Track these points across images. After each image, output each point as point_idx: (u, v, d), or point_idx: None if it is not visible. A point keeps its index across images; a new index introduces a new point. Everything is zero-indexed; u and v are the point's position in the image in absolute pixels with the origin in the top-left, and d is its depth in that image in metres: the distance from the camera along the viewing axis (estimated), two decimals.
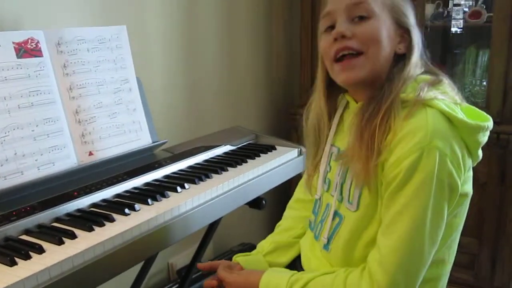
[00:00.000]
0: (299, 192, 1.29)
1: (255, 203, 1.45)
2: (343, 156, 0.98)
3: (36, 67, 1.21)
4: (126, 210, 1.07)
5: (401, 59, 0.96)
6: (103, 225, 1.01)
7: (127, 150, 1.38)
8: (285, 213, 1.29)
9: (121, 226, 1.01)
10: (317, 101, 1.08)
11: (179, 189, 1.21)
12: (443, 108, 0.89)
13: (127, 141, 1.39)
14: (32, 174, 1.16)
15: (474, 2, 2.15)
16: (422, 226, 0.86)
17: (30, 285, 0.83)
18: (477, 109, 0.96)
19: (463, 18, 2.11)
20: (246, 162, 1.44)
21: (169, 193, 1.18)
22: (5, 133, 1.13)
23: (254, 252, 1.20)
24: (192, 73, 2.03)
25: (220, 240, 2.22)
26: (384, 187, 0.90)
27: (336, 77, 0.98)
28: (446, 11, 2.19)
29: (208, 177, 1.30)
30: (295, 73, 2.56)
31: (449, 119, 0.89)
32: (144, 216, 1.06)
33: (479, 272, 2.11)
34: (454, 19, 2.12)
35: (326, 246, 1.03)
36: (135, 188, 1.23)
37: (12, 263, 0.87)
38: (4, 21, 1.35)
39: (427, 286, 0.97)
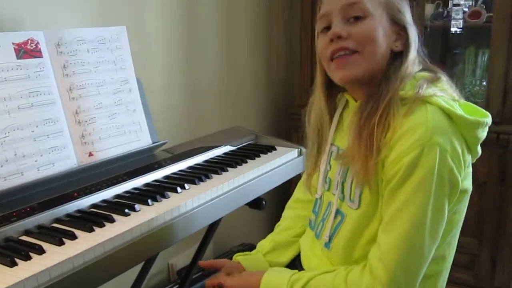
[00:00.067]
0: (298, 192, 1.29)
1: (255, 204, 1.45)
2: (343, 156, 0.99)
3: (36, 67, 1.21)
4: (126, 211, 1.07)
5: (398, 56, 0.96)
6: (103, 225, 1.01)
7: (127, 150, 1.38)
8: (284, 213, 1.29)
9: (121, 226, 1.01)
10: (317, 101, 1.09)
11: (179, 189, 1.21)
12: (443, 104, 0.89)
13: (127, 142, 1.39)
14: (32, 174, 1.16)
15: (473, 2, 2.15)
16: (422, 223, 0.87)
17: (30, 286, 0.83)
18: (475, 105, 0.97)
19: (463, 18, 2.11)
20: (246, 162, 1.44)
21: (169, 193, 1.18)
22: (5, 134, 1.13)
23: (254, 251, 1.21)
24: (192, 73, 2.03)
25: (220, 241, 2.22)
26: (384, 184, 0.91)
27: (333, 76, 0.99)
28: (445, 11, 2.19)
29: (208, 178, 1.30)
30: (295, 73, 2.56)
31: (449, 115, 0.89)
32: (144, 216, 1.06)
33: (479, 272, 2.11)
34: (453, 19, 2.12)
35: (327, 245, 1.03)
36: (135, 188, 1.23)
37: (12, 264, 0.87)
38: (4, 21, 1.35)
39: (428, 282, 0.97)
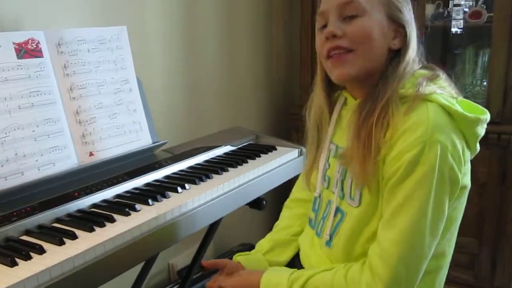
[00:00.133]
0: (296, 191, 1.29)
1: (255, 204, 1.45)
2: (342, 156, 0.99)
3: (36, 67, 1.21)
4: (127, 211, 1.07)
5: (397, 54, 0.96)
6: (104, 225, 1.01)
7: (128, 150, 1.38)
8: (282, 213, 1.29)
9: (122, 226, 1.01)
10: (317, 98, 1.09)
11: (179, 189, 1.21)
12: (443, 102, 0.90)
13: (128, 142, 1.39)
14: (32, 174, 1.16)
15: (474, 2, 2.15)
16: (423, 220, 0.87)
17: (30, 286, 0.83)
18: (473, 102, 0.98)
19: (463, 18, 2.11)
20: (247, 162, 1.44)
21: (170, 193, 1.18)
22: (6, 133, 1.13)
23: (253, 251, 1.21)
24: (192, 73, 2.03)
25: (221, 241, 2.22)
26: (385, 182, 0.91)
27: (330, 74, 0.99)
28: (446, 11, 2.19)
29: (209, 178, 1.30)
30: (295, 73, 2.56)
31: (449, 113, 0.90)
32: (145, 216, 1.06)
33: (479, 272, 2.12)
34: (454, 19, 2.12)
35: (328, 243, 1.03)
36: (135, 188, 1.23)
37: (13, 264, 0.86)
38: (4, 21, 1.35)
39: (428, 278, 0.98)
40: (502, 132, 1.95)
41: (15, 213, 1.02)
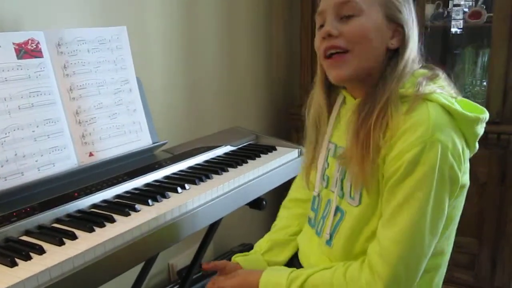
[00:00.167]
0: (294, 191, 1.29)
1: (255, 204, 1.45)
2: (341, 156, 0.99)
3: (36, 68, 1.21)
4: (127, 211, 1.07)
5: (395, 54, 0.96)
6: (104, 225, 1.01)
7: (127, 150, 1.38)
8: (280, 213, 1.29)
9: (122, 226, 1.01)
10: (317, 97, 1.10)
11: (179, 189, 1.21)
12: (443, 101, 0.90)
13: (127, 142, 1.39)
14: (32, 175, 1.16)
15: (474, 2, 2.15)
16: (423, 219, 0.88)
17: (30, 286, 0.83)
18: (472, 102, 0.98)
19: (463, 19, 2.11)
20: (247, 162, 1.44)
21: (170, 193, 1.18)
22: (6, 134, 1.13)
23: (252, 251, 1.21)
24: (192, 73, 2.03)
25: (221, 241, 2.22)
26: (385, 181, 0.91)
27: (328, 75, 1.00)
28: (446, 12, 2.19)
29: (209, 178, 1.31)
30: (295, 73, 2.56)
31: (449, 112, 0.90)
32: (145, 216, 1.06)
33: (479, 273, 2.11)
34: (454, 19, 2.12)
35: (328, 242, 1.03)
36: (135, 188, 1.23)
37: (13, 264, 0.86)
38: (4, 21, 1.35)
39: (427, 276, 0.98)
40: (502, 132, 1.94)
41: (15, 214, 1.02)
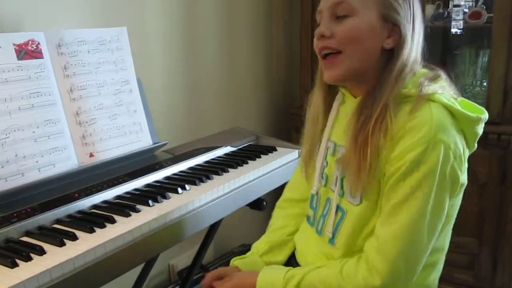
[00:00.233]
0: (288, 191, 1.28)
1: (255, 204, 1.45)
2: (340, 160, 0.99)
3: (36, 68, 1.21)
4: (127, 211, 1.07)
5: (393, 54, 0.96)
6: (104, 226, 1.01)
7: (128, 151, 1.39)
8: (275, 213, 1.28)
9: (122, 227, 1.01)
10: (317, 95, 1.10)
11: (180, 190, 1.21)
12: (446, 102, 0.91)
13: (128, 143, 1.39)
14: (32, 175, 1.16)
15: (474, 2, 2.15)
16: (423, 217, 0.89)
17: (31, 287, 0.83)
18: (471, 102, 0.99)
19: (463, 19, 2.11)
20: (247, 163, 1.44)
21: (170, 194, 1.18)
22: (6, 134, 1.13)
23: (249, 253, 1.20)
24: (192, 73, 2.03)
25: (221, 241, 2.22)
26: (386, 179, 0.92)
27: (323, 75, 1.01)
28: (446, 12, 2.19)
29: (209, 178, 1.31)
30: (295, 73, 2.56)
31: (451, 112, 0.91)
32: (145, 217, 1.06)
33: (480, 273, 2.11)
34: (454, 20, 2.11)
35: (331, 241, 1.04)
36: (136, 189, 1.23)
37: (13, 265, 0.87)
38: (4, 22, 1.35)
39: (426, 271, 1.00)
40: (502, 132, 1.94)
41: (15, 214, 1.02)
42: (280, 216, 1.25)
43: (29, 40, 1.21)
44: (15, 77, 1.16)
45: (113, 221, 1.04)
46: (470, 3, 2.15)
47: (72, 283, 0.88)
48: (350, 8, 0.93)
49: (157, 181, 1.29)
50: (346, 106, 1.05)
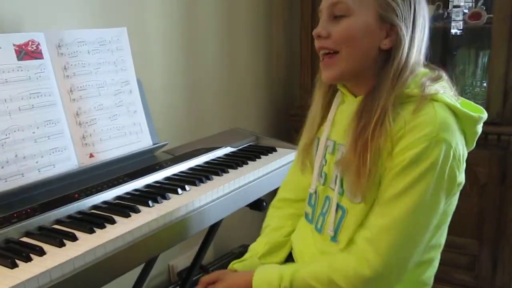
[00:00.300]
0: (283, 191, 1.28)
1: (255, 205, 1.45)
2: (340, 162, 1.00)
3: (36, 69, 1.21)
4: (127, 212, 1.07)
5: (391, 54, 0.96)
6: (104, 227, 1.02)
7: (128, 152, 1.39)
8: (270, 213, 1.27)
9: (122, 228, 1.01)
10: (318, 93, 1.11)
11: (179, 191, 1.21)
12: (448, 101, 0.92)
13: (128, 143, 1.39)
14: (32, 176, 1.16)
15: (473, 3, 2.15)
16: (417, 212, 0.90)
17: (31, 287, 0.83)
18: (471, 102, 1.00)
19: (463, 20, 2.11)
20: (247, 163, 1.44)
21: (170, 195, 1.18)
22: (6, 135, 1.13)
23: (248, 256, 1.19)
24: (192, 73, 2.03)
25: (221, 242, 2.22)
26: (386, 173, 0.92)
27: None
28: (446, 13, 2.19)
29: (209, 179, 1.31)
30: (295, 73, 2.56)
31: (454, 112, 0.93)
32: (145, 218, 1.06)
33: (480, 273, 2.11)
34: (454, 20, 2.11)
35: (334, 239, 1.04)
36: (136, 190, 1.23)
37: (13, 265, 0.87)
38: (4, 22, 1.35)
39: (423, 267, 1.01)
40: (502, 133, 1.94)
41: (15, 215, 1.02)
42: (276, 216, 1.25)
43: (29, 41, 1.21)
44: (15, 78, 1.16)
45: (113, 222, 1.04)
46: (470, 4, 2.15)
47: (72, 283, 0.88)
48: (347, 8, 0.94)
49: (157, 182, 1.29)
50: (346, 105, 1.05)
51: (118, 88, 1.39)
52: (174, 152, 1.52)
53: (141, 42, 1.74)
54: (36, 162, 1.17)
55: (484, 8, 2.08)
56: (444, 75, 1.00)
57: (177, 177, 1.34)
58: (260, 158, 1.50)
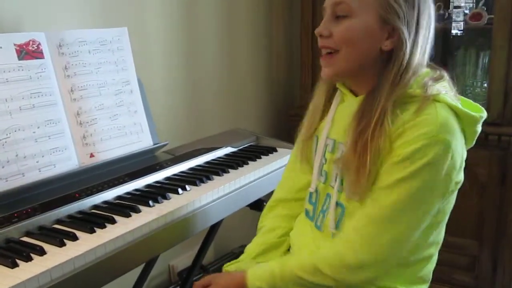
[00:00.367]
0: (279, 192, 1.26)
1: (256, 205, 1.45)
2: (339, 161, 1.00)
3: (37, 69, 1.21)
4: (128, 212, 1.07)
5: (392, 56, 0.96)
6: (105, 226, 1.02)
7: (128, 152, 1.39)
8: (265, 213, 1.26)
9: (123, 227, 1.01)
10: (319, 88, 1.11)
11: (180, 190, 1.21)
12: (450, 102, 0.93)
13: (128, 143, 1.39)
14: (33, 176, 1.16)
15: (474, 4, 2.15)
16: (407, 207, 0.91)
17: (31, 287, 0.83)
18: (471, 101, 1.01)
19: (464, 20, 2.11)
20: (247, 164, 1.44)
21: (170, 194, 1.18)
22: (7, 134, 1.13)
23: (243, 257, 1.18)
24: (192, 73, 2.03)
25: (221, 242, 2.22)
26: (383, 167, 0.93)
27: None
28: (446, 13, 2.19)
29: (209, 179, 1.30)
30: (295, 74, 2.56)
31: (455, 112, 0.93)
32: (146, 217, 1.06)
33: (480, 274, 2.11)
34: (454, 21, 2.11)
35: (335, 236, 1.04)
36: (136, 189, 1.23)
37: (13, 265, 0.87)
38: (4, 22, 1.35)
39: (422, 264, 1.02)
40: (502, 133, 1.94)
41: (15, 214, 1.02)
42: (269, 217, 1.24)
43: (29, 40, 1.21)
44: (16, 77, 1.16)
45: (113, 222, 1.04)
46: (471, 5, 2.15)
47: (72, 283, 0.88)
48: (349, 9, 0.94)
49: (157, 182, 1.29)
50: (346, 104, 1.05)
51: (119, 88, 1.39)
52: (175, 152, 1.52)
53: (141, 42, 1.74)
54: (37, 162, 1.17)
55: (485, 9, 2.08)
56: (445, 75, 1.00)
57: (177, 177, 1.34)
58: (260, 158, 1.50)
